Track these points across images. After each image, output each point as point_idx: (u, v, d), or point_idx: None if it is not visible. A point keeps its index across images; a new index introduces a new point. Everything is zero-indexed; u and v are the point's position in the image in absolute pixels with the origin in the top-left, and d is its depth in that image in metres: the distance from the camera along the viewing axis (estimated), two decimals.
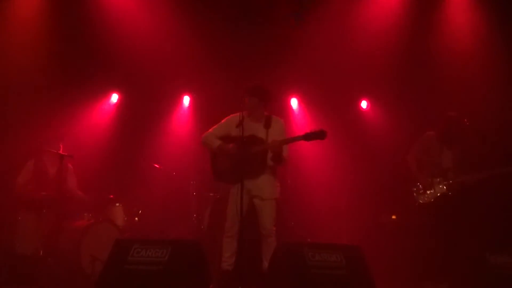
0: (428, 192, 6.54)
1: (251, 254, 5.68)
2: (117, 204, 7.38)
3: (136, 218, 7.63)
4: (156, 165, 7.98)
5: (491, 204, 7.14)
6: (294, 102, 9.14)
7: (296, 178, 8.07)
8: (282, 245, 4.77)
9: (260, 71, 7.71)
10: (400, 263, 6.86)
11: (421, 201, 6.55)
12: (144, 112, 8.67)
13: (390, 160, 7.97)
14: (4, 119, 7.57)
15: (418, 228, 6.60)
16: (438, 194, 6.49)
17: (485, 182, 6.45)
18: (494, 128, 7.10)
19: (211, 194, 7.48)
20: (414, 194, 6.61)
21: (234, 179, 5.63)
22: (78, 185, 7.13)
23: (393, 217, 7.97)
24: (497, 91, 7.52)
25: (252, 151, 5.56)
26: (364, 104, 9.05)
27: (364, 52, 8.18)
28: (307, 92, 8.97)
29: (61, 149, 6.69)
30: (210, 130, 5.90)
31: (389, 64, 8.15)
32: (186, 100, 9.09)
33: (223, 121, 5.91)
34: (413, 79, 8.22)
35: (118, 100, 8.82)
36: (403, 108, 8.28)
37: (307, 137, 5.40)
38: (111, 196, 7.43)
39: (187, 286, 4.30)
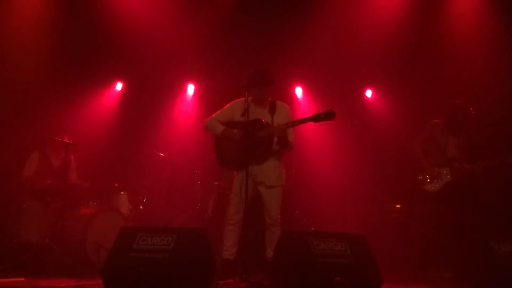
0: (435, 181, 6.54)
1: (254, 243, 5.64)
2: (122, 193, 7.40)
3: (141, 207, 7.66)
4: (161, 154, 7.99)
5: (496, 193, 7.14)
6: (298, 91, 9.11)
7: (301, 167, 8.05)
8: (287, 233, 4.77)
9: (264, 60, 7.67)
10: (404, 251, 6.87)
11: (427, 190, 6.55)
12: (149, 100, 8.66)
13: (395, 149, 7.96)
14: (9, 110, 7.56)
15: (423, 217, 6.62)
16: (444, 183, 6.49)
17: (491, 171, 6.45)
18: (500, 117, 7.07)
19: (215, 183, 7.48)
20: (420, 183, 6.62)
21: (239, 164, 5.58)
22: (78, 176, 7.15)
23: (398, 206, 7.97)
24: (503, 78, 7.47)
25: (257, 135, 5.47)
26: (368, 93, 9.02)
27: (369, 41, 8.13)
28: (312, 81, 8.93)
29: (66, 138, 6.70)
30: (213, 115, 5.82)
31: (394, 52, 8.11)
32: (191, 88, 9.07)
33: (226, 106, 5.83)
34: (418, 68, 8.17)
35: (122, 88, 8.81)
36: (408, 97, 8.26)
37: (316, 118, 5.26)
38: (116, 185, 7.47)
39: (193, 274, 4.32)
